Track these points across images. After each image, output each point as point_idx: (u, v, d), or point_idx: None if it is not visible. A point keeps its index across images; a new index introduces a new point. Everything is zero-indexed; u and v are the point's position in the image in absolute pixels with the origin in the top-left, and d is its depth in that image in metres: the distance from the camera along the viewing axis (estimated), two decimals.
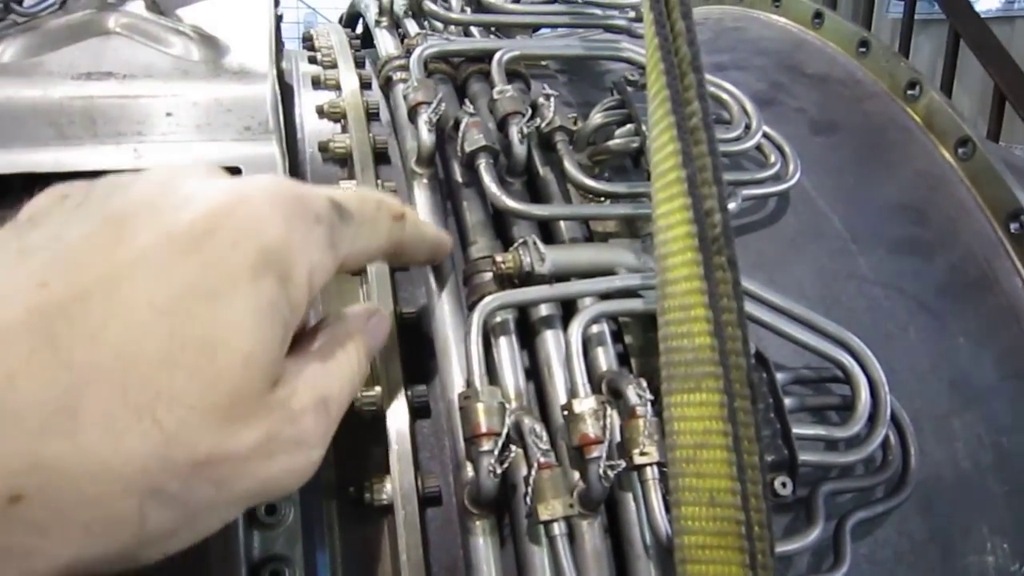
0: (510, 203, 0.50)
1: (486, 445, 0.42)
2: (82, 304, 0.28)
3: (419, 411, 0.50)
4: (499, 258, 0.48)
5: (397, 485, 0.46)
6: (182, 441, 0.28)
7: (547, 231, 0.54)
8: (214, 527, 0.32)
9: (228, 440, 0.30)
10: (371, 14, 0.75)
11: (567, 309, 0.51)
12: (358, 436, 0.50)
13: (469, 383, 0.45)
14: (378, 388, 0.49)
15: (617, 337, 0.52)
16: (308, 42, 0.81)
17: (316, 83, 0.70)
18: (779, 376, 0.50)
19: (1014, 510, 0.56)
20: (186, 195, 0.32)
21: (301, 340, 0.37)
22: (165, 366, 0.28)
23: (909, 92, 0.72)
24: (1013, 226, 0.63)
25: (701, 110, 0.41)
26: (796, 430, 0.48)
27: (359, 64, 0.73)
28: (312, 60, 0.75)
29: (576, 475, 0.45)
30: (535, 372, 0.50)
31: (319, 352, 0.37)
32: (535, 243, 0.48)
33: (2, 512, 0.25)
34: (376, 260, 0.44)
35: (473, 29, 0.68)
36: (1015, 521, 0.55)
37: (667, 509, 0.42)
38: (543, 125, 0.55)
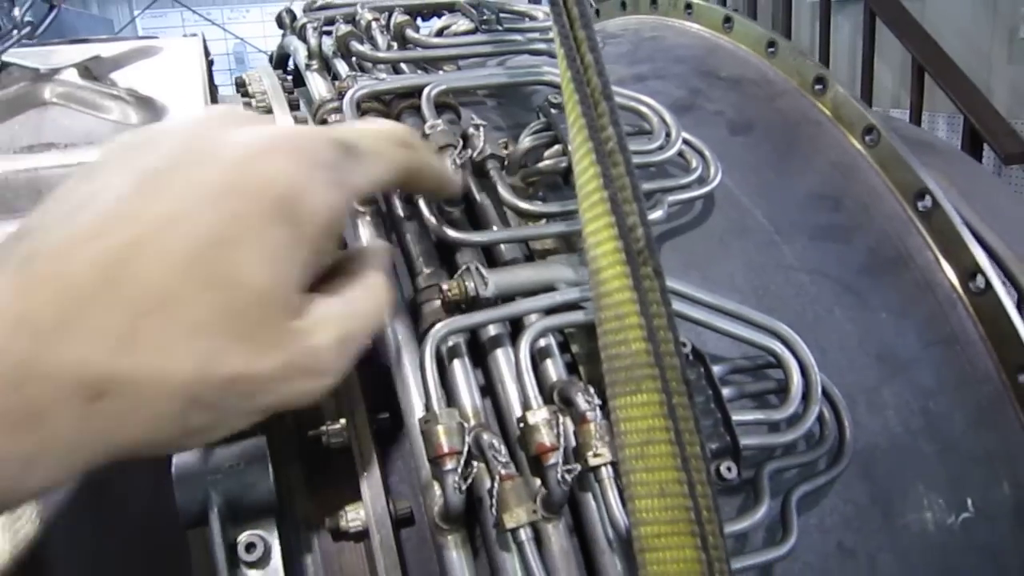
0: (451, 233, 0.53)
1: (449, 464, 0.45)
2: (131, 252, 0.34)
3: (385, 438, 0.53)
4: (445, 286, 0.51)
5: (370, 511, 0.49)
6: (215, 362, 0.35)
7: (489, 254, 0.57)
8: (243, 426, 0.38)
9: (253, 364, 0.36)
10: (300, 57, 0.77)
11: (515, 326, 0.54)
12: (330, 468, 0.52)
13: (428, 407, 0.47)
14: (343, 420, 0.52)
15: (564, 348, 0.55)
16: (242, 88, 0.83)
17: None
18: (716, 368, 0.54)
19: (946, 467, 0.60)
20: (209, 152, 0.37)
21: (331, 279, 0.42)
22: (197, 304, 0.34)
23: (817, 87, 0.76)
24: (920, 204, 0.68)
25: (616, 135, 0.44)
26: (736, 416, 0.51)
27: (294, 106, 0.75)
28: (247, 106, 0.77)
29: (537, 482, 0.48)
30: (490, 389, 0.53)
31: (346, 292, 0.42)
32: (477, 269, 0.51)
33: (90, 405, 0.33)
34: (389, 186, 0.48)
35: (402, 65, 0.71)
36: (948, 477, 0.60)
37: (624, 504, 0.46)
38: (475, 154, 0.58)
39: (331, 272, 0.44)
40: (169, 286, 0.34)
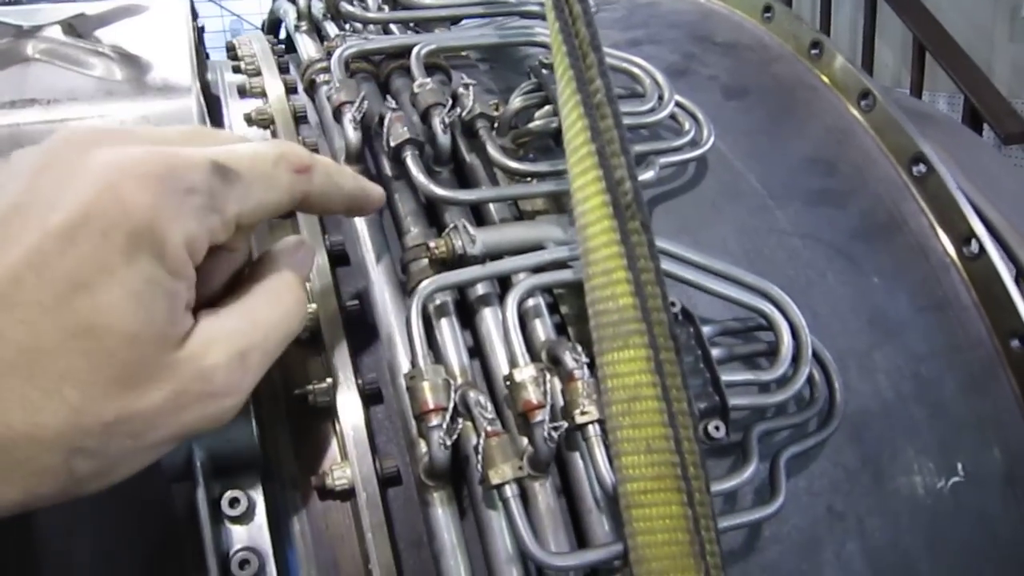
0: (438, 191, 0.53)
1: (435, 420, 0.45)
2: None
3: (372, 398, 0.53)
4: (432, 244, 0.51)
5: (356, 469, 0.48)
6: (89, 409, 0.34)
7: (478, 214, 0.57)
8: (143, 465, 0.37)
9: (134, 402, 0.35)
10: (290, 19, 0.76)
11: (504, 286, 0.53)
12: (316, 428, 0.52)
13: (414, 364, 0.47)
14: (330, 380, 0.51)
15: (554, 309, 0.54)
16: (231, 52, 0.82)
17: (242, 92, 0.71)
18: (706, 329, 0.53)
19: (936, 431, 0.60)
20: (60, 187, 0.34)
21: (229, 291, 0.41)
22: (61, 353, 0.33)
23: (813, 52, 0.76)
24: (915, 169, 0.67)
25: (604, 86, 0.43)
26: (726, 377, 0.51)
27: (283, 70, 0.74)
28: (236, 70, 0.76)
29: (524, 440, 0.47)
30: (478, 349, 0.52)
31: (242, 304, 0.41)
32: (465, 227, 0.51)
33: None
34: (278, 214, 0.43)
35: (392, 26, 0.70)
36: (938, 441, 0.59)
37: (611, 462, 0.45)
38: (464, 114, 0.57)
39: (240, 280, 0.42)
40: (31, 339, 0.32)
